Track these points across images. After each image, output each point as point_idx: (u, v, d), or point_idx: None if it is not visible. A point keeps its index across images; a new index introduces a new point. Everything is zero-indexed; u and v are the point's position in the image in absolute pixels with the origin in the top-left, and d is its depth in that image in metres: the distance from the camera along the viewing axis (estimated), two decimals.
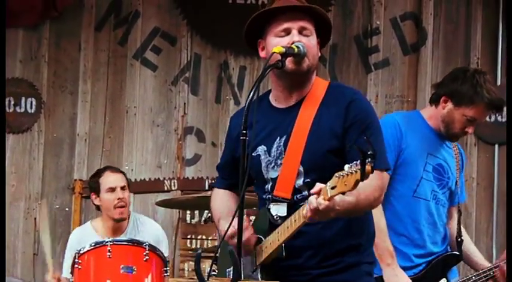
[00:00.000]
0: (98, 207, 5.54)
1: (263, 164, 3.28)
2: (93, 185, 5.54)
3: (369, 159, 2.71)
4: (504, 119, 6.51)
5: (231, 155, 3.41)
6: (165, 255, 5.40)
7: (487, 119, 6.39)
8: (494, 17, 6.57)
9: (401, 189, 4.17)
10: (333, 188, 2.85)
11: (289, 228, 3.09)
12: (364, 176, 2.73)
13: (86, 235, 5.38)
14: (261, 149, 3.28)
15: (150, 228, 5.54)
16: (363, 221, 3.28)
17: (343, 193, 2.84)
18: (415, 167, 4.18)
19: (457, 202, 4.42)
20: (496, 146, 6.62)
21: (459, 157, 4.39)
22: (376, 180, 3.08)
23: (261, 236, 3.26)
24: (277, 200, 3.23)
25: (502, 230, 6.48)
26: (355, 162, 2.77)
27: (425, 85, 6.56)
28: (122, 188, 5.44)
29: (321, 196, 2.88)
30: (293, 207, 3.15)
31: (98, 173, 5.57)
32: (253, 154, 3.25)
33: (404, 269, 4.14)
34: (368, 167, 2.72)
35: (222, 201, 3.49)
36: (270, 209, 3.23)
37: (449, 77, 4.29)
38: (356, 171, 2.75)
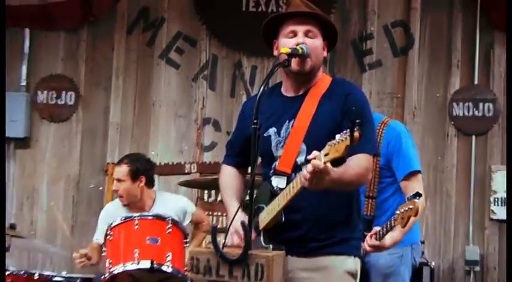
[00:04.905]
0: None
1: (273, 144, 3.37)
2: None
3: (357, 127, 2.80)
4: (480, 113, 6.60)
5: (242, 135, 3.49)
6: (192, 211, 5.52)
7: (466, 113, 6.59)
8: (473, 24, 6.73)
9: None
10: (326, 155, 2.91)
11: (287, 194, 3.17)
12: (353, 141, 2.81)
13: (116, 209, 5.41)
14: (272, 131, 3.39)
15: (172, 204, 5.48)
16: (351, 201, 3.40)
17: (335, 159, 2.91)
18: None
19: None
20: (473, 137, 6.72)
21: None
22: (364, 161, 3.20)
23: (262, 205, 3.35)
24: (279, 174, 3.32)
25: (477, 212, 6.64)
26: (344, 131, 2.87)
27: (412, 83, 6.76)
28: (118, 180, 5.38)
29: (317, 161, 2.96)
30: (292, 181, 3.24)
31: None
32: (264, 135, 3.36)
33: None
34: (356, 133, 2.79)
35: (228, 180, 3.58)
36: (271, 180, 3.32)
37: None
38: (346, 138, 2.84)
